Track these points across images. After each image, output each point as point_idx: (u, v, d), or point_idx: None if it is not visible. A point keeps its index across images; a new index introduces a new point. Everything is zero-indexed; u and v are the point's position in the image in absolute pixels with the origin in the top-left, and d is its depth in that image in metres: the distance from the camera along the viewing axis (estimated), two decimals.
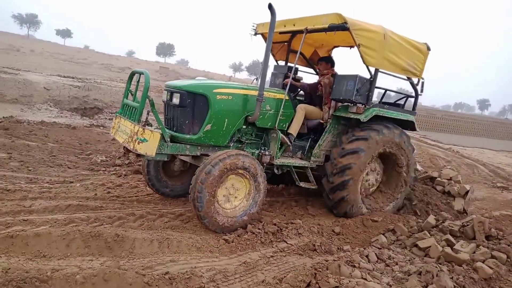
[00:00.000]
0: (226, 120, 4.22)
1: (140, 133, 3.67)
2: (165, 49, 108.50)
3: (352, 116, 4.75)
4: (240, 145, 4.62)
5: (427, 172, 6.58)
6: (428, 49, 5.23)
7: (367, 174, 5.09)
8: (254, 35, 5.60)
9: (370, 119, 4.78)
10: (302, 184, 4.87)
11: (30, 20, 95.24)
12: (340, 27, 4.28)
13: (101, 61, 43.91)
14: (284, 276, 3.09)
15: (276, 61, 6.12)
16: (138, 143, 3.66)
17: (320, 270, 3.12)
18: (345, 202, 4.76)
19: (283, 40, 5.80)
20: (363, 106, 4.72)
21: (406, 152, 5.20)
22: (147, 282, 2.68)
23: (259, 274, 3.17)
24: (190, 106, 4.06)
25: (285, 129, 4.81)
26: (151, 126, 4.08)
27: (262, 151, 4.52)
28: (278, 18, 4.91)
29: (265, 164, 4.50)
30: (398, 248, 3.91)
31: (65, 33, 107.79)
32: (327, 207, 5.10)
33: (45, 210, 3.86)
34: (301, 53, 6.12)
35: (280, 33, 5.28)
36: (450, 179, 6.12)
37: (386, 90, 5.58)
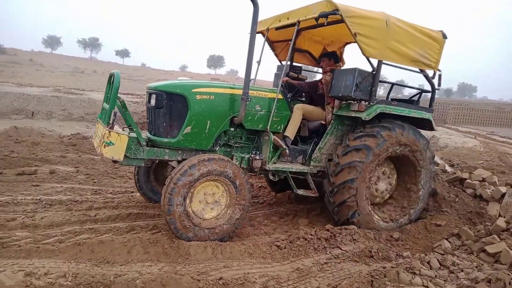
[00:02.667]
0: (208, 121, 3.90)
1: (106, 136, 3.41)
2: (215, 61, 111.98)
3: (353, 114, 4.24)
4: (228, 149, 4.29)
5: (455, 173, 5.80)
6: (444, 37, 4.60)
7: (377, 179, 4.54)
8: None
9: (380, 118, 4.32)
10: (300, 192, 4.39)
11: (92, 44, 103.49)
12: (331, 14, 3.81)
13: (157, 77, 46.36)
14: (339, 284, 3.00)
15: (280, 61, 5.69)
16: (105, 147, 3.41)
17: (377, 277, 2.99)
18: (347, 207, 4.18)
19: (286, 39, 5.37)
20: (366, 103, 4.24)
21: (422, 155, 4.56)
22: (202, 287, 2.75)
23: (312, 281, 3.11)
24: (168, 107, 3.79)
25: (280, 131, 4.38)
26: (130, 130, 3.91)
27: (253, 156, 4.18)
28: (274, 13, 4.57)
29: (256, 170, 4.20)
30: (464, 253, 3.63)
31: (124, 53, 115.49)
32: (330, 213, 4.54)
33: (108, 219, 4.14)
34: (308, 52, 5.75)
35: (276, 29, 4.87)
36: (483, 180, 5.35)
37: (393, 84, 5.08)
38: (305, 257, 3.56)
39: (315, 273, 3.24)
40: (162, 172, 4.74)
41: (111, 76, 3.78)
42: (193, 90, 3.82)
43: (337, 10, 3.77)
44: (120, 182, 5.83)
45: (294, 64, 5.63)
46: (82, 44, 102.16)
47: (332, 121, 4.49)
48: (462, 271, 3.19)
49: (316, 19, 3.92)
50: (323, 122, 4.65)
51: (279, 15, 4.66)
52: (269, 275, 3.11)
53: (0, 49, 56.09)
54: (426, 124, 4.78)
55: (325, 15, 3.83)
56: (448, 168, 6.26)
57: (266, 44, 5.25)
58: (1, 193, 4.78)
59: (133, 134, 3.75)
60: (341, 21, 3.94)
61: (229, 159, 3.71)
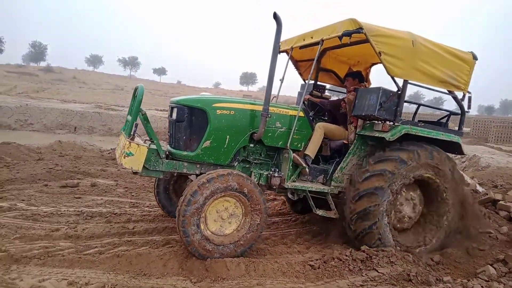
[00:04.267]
0: (228, 136, 3.92)
1: (126, 146, 3.50)
2: (247, 78, 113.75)
3: (377, 134, 4.08)
4: (247, 165, 4.27)
5: (487, 194, 5.44)
6: (475, 58, 4.45)
7: (400, 204, 4.31)
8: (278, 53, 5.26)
9: (404, 140, 4.14)
10: (320, 213, 4.27)
11: (132, 62, 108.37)
12: (354, 32, 3.76)
13: (192, 94, 47.66)
14: None
15: (304, 80, 5.62)
16: (124, 157, 3.49)
17: None
18: (369, 235, 4.01)
19: (310, 58, 5.24)
20: (391, 123, 4.10)
21: (449, 179, 4.32)
22: None
23: None
24: (188, 121, 3.85)
25: (301, 149, 4.33)
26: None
27: (271, 173, 4.12)
28: (297, 33, 4.56)
29: (275, 187, 4.15)
30: (511, 281, 3.41)
31: (161, 71, 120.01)
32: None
33: (145, 232, 4.26)
34: (333, 72, 5.69)
35: (300, 48, 4.85)
36: None
37: (420, 104, 4.87)
38: (340, 278, 3.48)
39: None
40: (182, 185, 4.76)
41: (136, 89, 3.87)
42: (213, 105, 3.87)
43: (361, 28, 3.74)
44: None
45: (319, 83, 5.60)
46: (122, 62, 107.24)
47: (355, 141, 4.38)
48: None
49: (340, 37, 3.91)
50: (346, 142, 4.55)
51: (303, 34, 4.67)
52: None
53: (48, 68, 59.96)
54: (455, 148, 4.57)
55: (348, 34, 3.80)
56: (479, 188, 5.93)
57: (290, 62, 5.28)
58: (46, 204, 5.06)
59: (154, 146, 3.82)
60: (366, 40, 3.91)
61: (230, 171, 3.60)
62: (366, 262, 3.75)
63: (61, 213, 4.70)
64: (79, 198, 5.50)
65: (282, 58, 5.22)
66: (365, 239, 4.05)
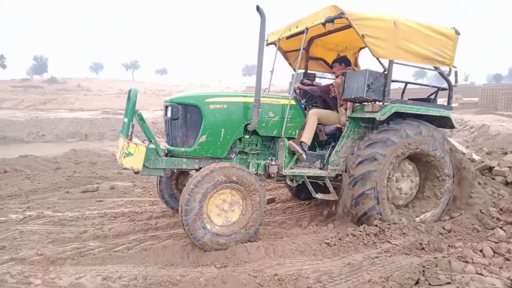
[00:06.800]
0: (223, 130, 4.04)
1: (125, 147, 3.61)
2: (250, 70, 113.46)
3: (368, 115, 4.23)
4: (244, 156, 4.40)
5: (483, 161, 5.55)
6: (457, 33, 4.56)
7: (397, 181, 4.46)
8: (266, 45, 5.19)
9: (395, 119, 4.27)
10: (319, 196, 4.45)
11: (133, 65, 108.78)
12: (336, 18, 3.88)
13: (195, 90, 47.83)
14: (391, 275, 3.09)
15: (294, 70, 5.56)
16: (124, 158, 3.61)
17: (429, 267, 3.04)
18: (369, 217, 4.15)
19: (298, 48, 5.26)
20: (381, 103, 4.22)
21: (442, 152, 4.44)
22: (259, 283, 2.95)
23: (364, 274, 3.21)
24: (183, 118, 3.96)
25: (296, 136, 4.45)
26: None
27: (269, 162, 4.22)
28: (285, 24, 4.69)
29: (273, 175, 4.26)
30: None
31: (163, 71, 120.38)
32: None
33: (167, 226, 4.49)
34: (323, 59, 5.79)
35: (287, 38, 4.97)
36: None
37: (406, 82, 4.99)
38: (355, 252, 3.66)
39: (367, 267, 3.33)
40: (184, 181, 4.88)
41: (129, 92, 3.96)
42: (206, 100, 3.99)
43: (343, 14, 3.85)
44: None
45: (309, 71, 5.70)
46: (125, 66, 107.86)
47: (347, 123, 4.51)
48: None
49: (323, 24, 4.02)
50: (339, 125, 4.67)
51: (289, 25, 4.79)
52: (321, 271, 3.25)
53: (52, 79, 60.65)
54: (446, 122, 4.71)
55: (331, 20, 3.92)
56: (475, 157, 6.02)
57: (279, 54, 5.40)
58: (70, 209, 5.32)
59: (152, 146, 3.94)
60: (350, 26, 4.03)
61: (213, 168, 3.62)
62: (379, 235, 3.92)
63: (86, 216, 4.96)
64: (101, 201, 5.76)
65: (273, 50, 5.39)
66: (367, 221, 4.19)
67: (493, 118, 17.37)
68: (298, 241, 3.86)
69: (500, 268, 3.02)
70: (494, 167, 5.33)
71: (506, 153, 6.84)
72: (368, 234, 3.92)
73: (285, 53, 5.71)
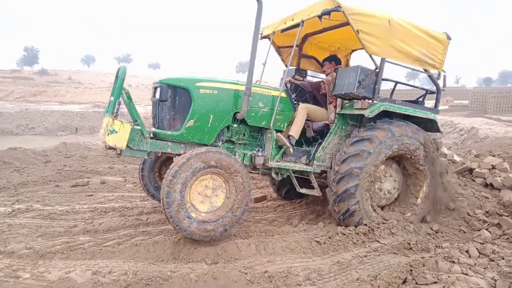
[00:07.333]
0: (211, 116, 3.97)
1: (110, 124, 3.54)
2: (243, 67, 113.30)
3: (357, 112, 4.25)
4: (231, 146, 4.36)
5: (464, 163, 5.64)
6: (449, 38, 4.62)
7: (380, 181, 4.50)
8: (260, 39, 5.05)
9: (381, 118, 4.31)
10: (303, 191, 4.45)
11: (126, 59, 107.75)
12: (333, 11, 3.87)
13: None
14: (379, 274, 3.14)
15: (286, 66, 5.54)
16: (108, 135, 3.53)
17: (416, 266, 3.10)
18: (352, 214, 4.16)
19: (292, 45, 5.09)
20: (370, 101, 4.23)
21: (426, 153, 4.48)
22: (249, 280, 2.99)
23: (353, 273, 3.26)
24: (171, 100, 3.90)
25: (284, 129, 4.44)
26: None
27: (255, 152, 4.17)
28: (279, 17, 4.67)
29: (259, 167, 4.22)
30: (505, 242, 3.65)
31: (156, 66, 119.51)
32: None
33: (158, 222, 4.48)
34: (315, 58, 5.82)
35: (282, 31, 4.94)
36: (493, 167, 5.19)
37: (396, 82, 5.03)
38: (345, 251, 3.71)
39: (355, 265, 3.39)
40: (166, 169, 4.81)
41: (118, 70, 3.86)
42: (197, 84, 3.93)
43: (339, 7, 3.85)
44: None
45: (300, 68, 5.69)
46: (117, 60, 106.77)
47: (335, 120, 4.53)
48: (503, 258, 3.23)
49: (319, 16, 4.02)
50: (327, 122, 4.68)
51: (284, 18, 4.76)
52: (311, 268, 3.29)
53: (42, 70, 59.77)
54: (432, 126, 4.73)
55: (327, 12, 3.91)
56: (456, 158, 6.13)
57: (272, 48, 5.39)
58: (60, 203, 5.27)
59: (138, 127, 3.86)
60: (346, 24, 4.04)
61: (189, 156, 3.53)
62: (368, 234, 3.98)
63: (76, 210, 4.92)
64: (91, 195, 5.72)
65: (266, 44, 5.34)
66: (349, 219, 4.20)
67: (482, 121, 17.62)
68: (289, 239, 3.90)
69: (485, 268, 3.10)
70: (474, 169, 5.43)
71: (494, 156, 7.00)
72: (358, 233, 3.99)
73: (278, 48, 5.69)
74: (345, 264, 3.40)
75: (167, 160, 4.90)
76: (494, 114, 22.89)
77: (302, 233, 4.20)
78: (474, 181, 5.34)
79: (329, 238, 3.94)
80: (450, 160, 6.07)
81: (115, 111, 3.64)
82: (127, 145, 3.71)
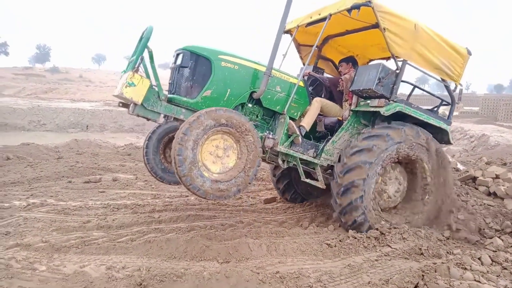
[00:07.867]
0: (229, 90, 3.96)
1: (129, 77, 3.52)
2: None
3: (373, 109, 4.26)
4: None
5: (468, 171, 5.58)
6: (469, 53, 4.68)
7: (385, 183, 4.45)
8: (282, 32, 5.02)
9: (393, 119, 4.33)
10: (307, 180, 4.44)
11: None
12: (363, 5, 3.90)
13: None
14: (390, 278, 3.14)
15: (304, 64, 5.63)
16: (126, 87, 3.50)
17: (428, 272, 3.10)
18: (354, 208, 4.10)
19: (313, 44, 5.05)
20: (387, 100, 4.22)
21: (434, 159, 4.43)
22: (261, 280, 3.01)
23: (364, 276, 3.26)
24: (192, 67, 3.89)
25: (296, 118, 4.44)
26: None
27: (266, 134, 4.12)
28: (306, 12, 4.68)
29: (267, 149, 4.17)
30: None
31: (165, 66, 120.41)
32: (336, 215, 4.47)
33: (170, 220, 4.54)
34: (332, 61, 5.84)
35: (307, 25, 4.92)
36: (497, 177, 5.14)
37: (415, 86, 5.02)
38: (356, 254, 3.71)
39: (366, 269, 3.39)
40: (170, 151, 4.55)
41: (144, 31, 3.79)
42: (219, 56, 3.93)
43: (370, 2, 3.89)
44: (175, 187, 6.26)
45: (318, 67, 5.71)
46: (126, 59, 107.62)
47: (349, 117, 4.55)
48: None
49: (349, 10, 4.04)
50: (340, 118, 4.71)
51: (310, 13, 4.76)
52: (322, 271, 3.30)
53: (54, 68, 60.49)
54: (443, 137, 4.73)
55: (357, 6, 3.95)
56: (460, 166, 6.09)
57: (292, 44, 5.39)
58: (73, 199, 5.36)
59: (156, 88, 3.80)
60: (370, 27, 4.07)
61: (199, 114, 3.47)
62: (379, 239, 3.98)
63: (89, 206, 5.00)
64: (103, 192, 5.80)
65: (287, 39, 5.32)
66: (350, 213, 4.16)
67: (493, 128, 17.44)
68: (299, 241, 3.92)
69: (497, 276, 3.09)
70: (478, 177, 5.40)
71: (505, 164, 6.94)
72: (369, 237, 3.98)
73: (298, 45, 5.72)
74: (356, 267, 3.40)
75: (169, 142, 4.82)
76: (505, 121, 22.64)
77: (313, 235, 4.22)
78: (477, 189, 5.31)
79: (340, 241, 3.95)
80: (454, 168, 6.03)
81: (136, 66, 3.61)
82: (142, 104, 3.67)
